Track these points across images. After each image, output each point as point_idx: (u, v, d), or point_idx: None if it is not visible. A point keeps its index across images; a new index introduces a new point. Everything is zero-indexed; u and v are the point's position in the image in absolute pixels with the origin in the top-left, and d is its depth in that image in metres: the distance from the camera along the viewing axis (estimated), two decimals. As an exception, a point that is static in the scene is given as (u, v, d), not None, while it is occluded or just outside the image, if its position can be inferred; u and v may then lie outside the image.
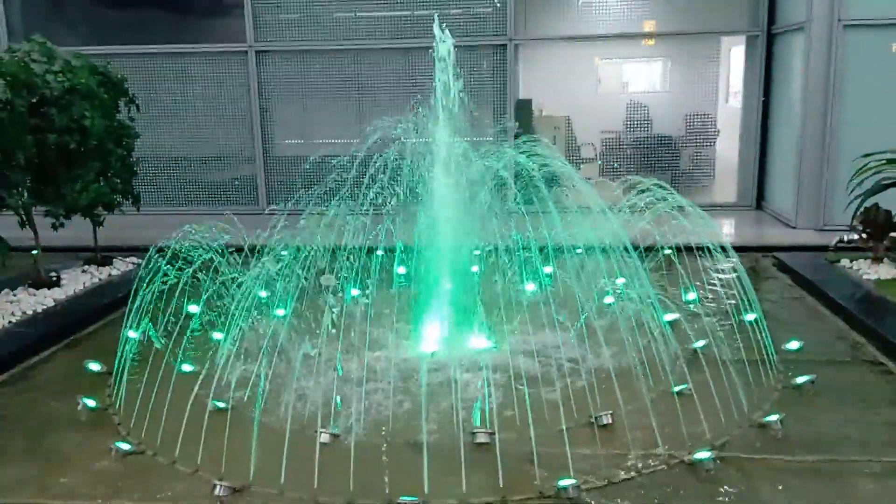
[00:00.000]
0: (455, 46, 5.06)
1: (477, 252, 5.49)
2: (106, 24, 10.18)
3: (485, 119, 9.36)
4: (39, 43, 6.25)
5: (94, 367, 4.69)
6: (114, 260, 7.14)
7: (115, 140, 6.78)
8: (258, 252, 5.08)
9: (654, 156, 10.19)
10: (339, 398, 4.04)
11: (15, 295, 6.03)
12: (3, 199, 5.74)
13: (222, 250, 5.00)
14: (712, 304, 5.64)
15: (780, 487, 3.34)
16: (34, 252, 6.27)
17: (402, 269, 5.75)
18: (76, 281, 6.50)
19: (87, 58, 6.63)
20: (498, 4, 9.30)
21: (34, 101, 5.98)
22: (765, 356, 4.52)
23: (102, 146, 6.55)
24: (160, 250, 4.64)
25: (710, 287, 5.90)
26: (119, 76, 6.98)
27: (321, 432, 3.69)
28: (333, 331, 4.51)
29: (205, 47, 9.78)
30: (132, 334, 4.45)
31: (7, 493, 3.44)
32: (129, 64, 9.46)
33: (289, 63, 9.81)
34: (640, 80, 13.34)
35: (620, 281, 4.87)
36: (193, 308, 4.71)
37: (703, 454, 3.50)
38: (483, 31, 9.44)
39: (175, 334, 4.55)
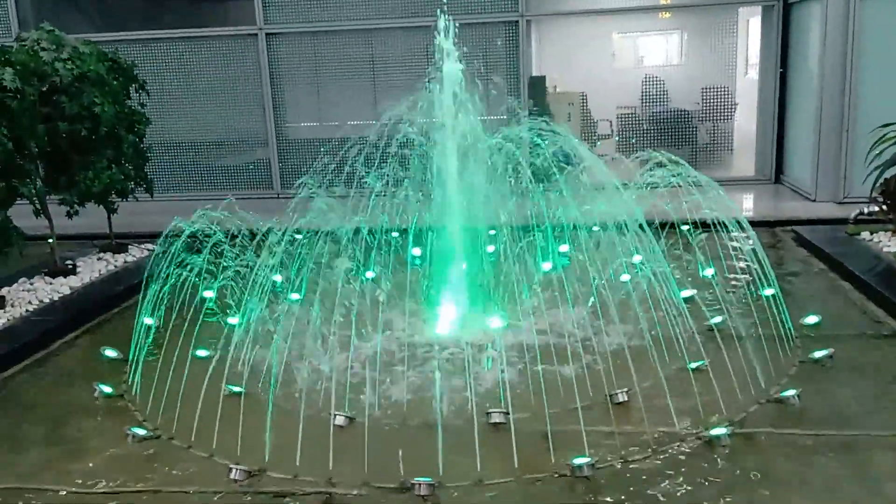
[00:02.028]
0: (462, 24, 4.97)
1: (492, 232, 5.46)
2: (115, 10, 10.19)
3: (498, 98, 9.27)
4: (48, 31, 6.25)
5: (111, 353, 4.72)
6: (129, 246, 7.18)
7: (126, 126, 6.78)
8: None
9: (672, 131, 10.07)
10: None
11: (32, 283, 6.08)
12: (16, 188, 5.77)
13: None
14: (729, 280, 5.58)
15: (797, 462, 3.30)
16: (50, 240, 6.31)
17: (417, 251, 5.73)
18: (92, 268, 6.54)
19: (95, 45, 6.63)
20: None
21: (44, 89, 5.99)
22: (782, 331, 4.47)
23: (114, 133, 6.56)
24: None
25: (727, 262, 5.83)
26: (129, 62, 6.98)
27: (336, 415, 3.70)
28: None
29: (214, 31, 9.76)
30: (148, 321, 4.49)
31: (26, 478, 3.47)
32: (139, 50, 9.49)
33: (300, 45, 9.76)
34: (656, 53, 13.18)
35: (637, 258, 4.82)
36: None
37: (719, 430, 3.47)
38: (494, 7, 9.32)
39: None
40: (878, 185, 6.39)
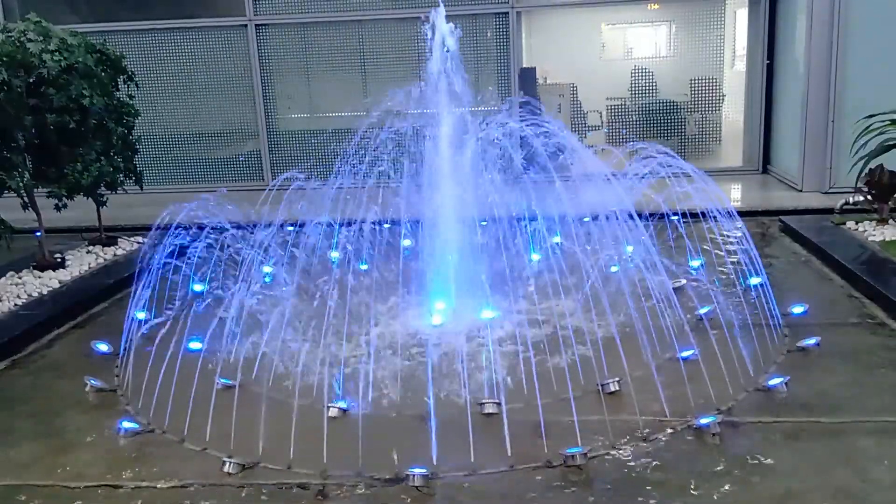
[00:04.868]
0: (455, 16, 4.96)
1: (484, 223, 5.46)
2: (103, 0, 10.09)
3: (488, 88, 9.30)
4: (35, 22, 6.19)
5: (102, 347, 4.71)
6: (119, 239, 7.15)
7: (115, 118, 6.74)
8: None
9: (661, 122, 10.12)
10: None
11: (20, 277, 6.04)
12: (4, 180, 5.73)
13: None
14: (718, 270, 5.62)
15: (786, 450, 3.34)
16: (38, 233, 6.27)
17: (407, 242, 5.74)
18: (81, 261, 6.51)
19: (83, 36, 6.57)
20: None
21: (31, 81, 5.94)
22: (770, 320, 4.51)
23: (103, 125, 6.52)
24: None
25: (716, 252, 5.87)
26: (117, 53, 6.93)
27: (329, 406, 3.71)
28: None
29: (203, 22, 9.69)
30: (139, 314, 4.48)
31: (16, 474, 3.46)
32: (128, 41, 9.41)
33: (290, 36, 9.72)
34: (645, 45, 13.18)
35: (627, 248, 4.85)
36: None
37: (708, 419, 3.51)
38: (484, -1, 9.33)
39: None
40: (863, 175, 6.46)
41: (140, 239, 7.12)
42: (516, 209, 5.35)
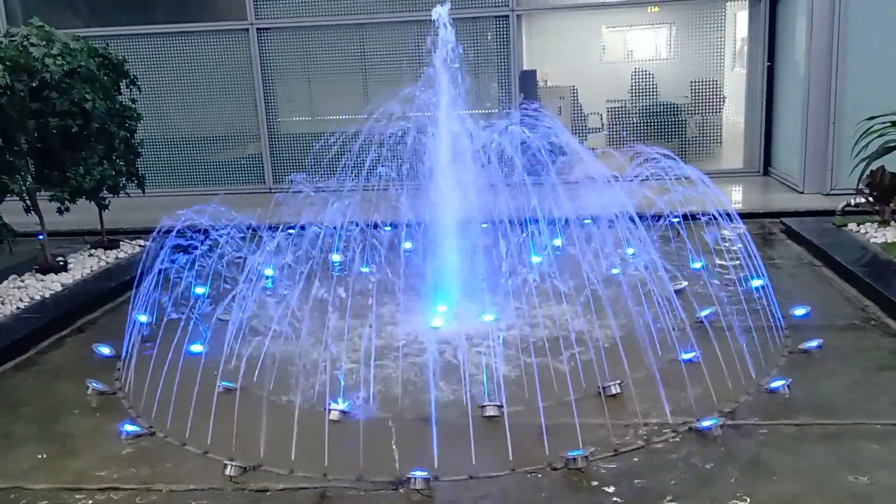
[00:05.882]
0: (455, 19, 4.97)
1: (484, 225, 5.47)
2: (105, 4, 10.13)
3: (489, 91, 9.33)
4: (37, 26, 6.21)
5: (103, 350, 4.71)
6: (120, 243, 7.16)
7: (117, 122, 6.75)
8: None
9: (661, 124, 10.13)
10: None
11: (22, 280, 6.05)
12: (6, 184, 5.74)
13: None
14: (719, 272, 5.62)
15: (788, 452, 3.34)
16: (40, 237, 6.28)
17: (408, 245, 5.75)
18: (83, 265, 6.52)
19: (86, 40, 6.59)
20: None
21: (34, 85, 5.96)
22: (772, 322, 4.51)
23: (105, 128, 6.54)
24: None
25: (717, 254, 5.87)
26: (119, 57, 6.94)
27: (330, 409, 3.72)
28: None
29: (205, 26, 9.72)
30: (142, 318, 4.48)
31: (18, 478, 3.46)
32: (130, 45, 9.44)
33: (291, 39, 9.75)
34: (645, 48, 13.19)
35: (629, 251, 4.86)
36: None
37: (710, 421, 3.51)
38: (485, 2, 9.34)
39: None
40: (864, 176, 6.46)
41: (142, 242, 7.13)
42: (517, 211, 5.36)
